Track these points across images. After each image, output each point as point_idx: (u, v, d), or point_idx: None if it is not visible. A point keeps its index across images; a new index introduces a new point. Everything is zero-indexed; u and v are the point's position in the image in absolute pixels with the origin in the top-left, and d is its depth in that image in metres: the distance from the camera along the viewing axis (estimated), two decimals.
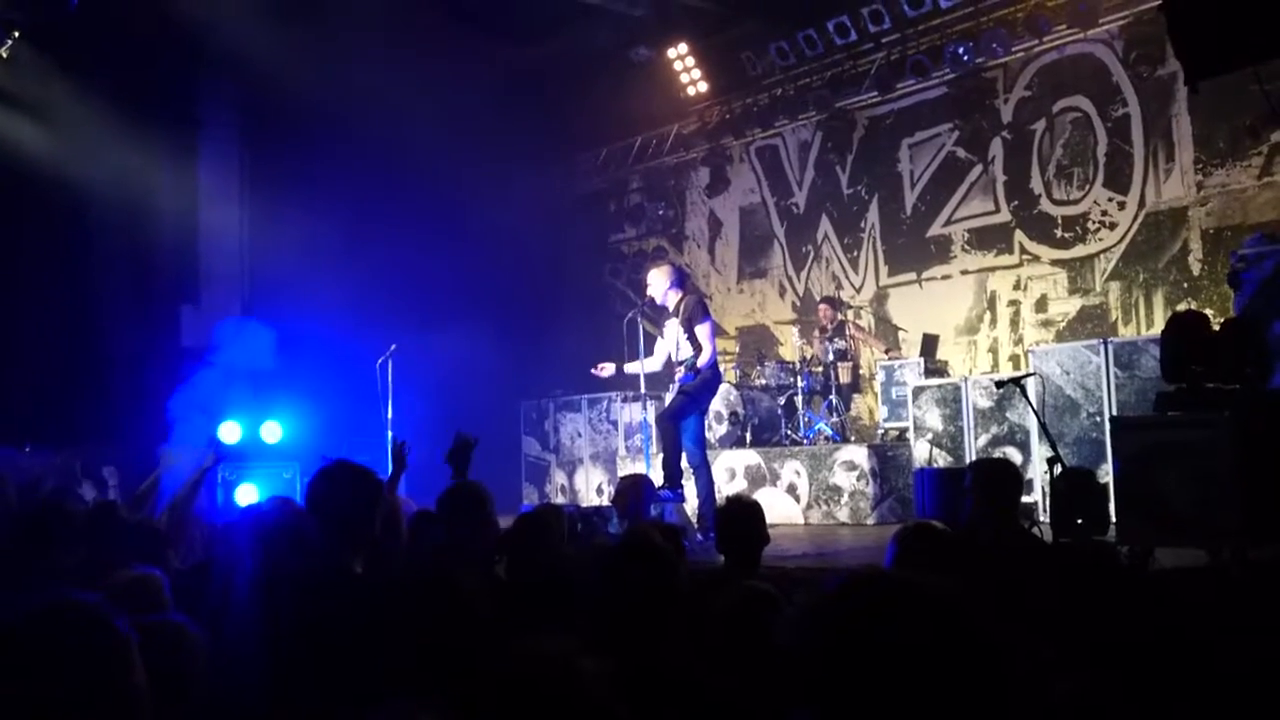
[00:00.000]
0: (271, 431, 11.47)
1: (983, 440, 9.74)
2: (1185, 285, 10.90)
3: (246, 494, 10.48)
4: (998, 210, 12.35)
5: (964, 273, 12.63)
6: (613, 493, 7.86)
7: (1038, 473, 8.98)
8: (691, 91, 14.68)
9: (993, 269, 12.37)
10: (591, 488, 13.46)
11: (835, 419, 11.27)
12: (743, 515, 4.52)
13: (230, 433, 10.89)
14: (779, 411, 11.59)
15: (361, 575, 3.37)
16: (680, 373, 8.49)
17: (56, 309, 11.11)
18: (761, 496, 9.91)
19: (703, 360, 8.35)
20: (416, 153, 12.40)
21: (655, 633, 3.00)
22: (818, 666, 1.23)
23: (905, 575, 1.30)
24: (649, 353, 9.08)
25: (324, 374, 11.10)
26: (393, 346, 10.14)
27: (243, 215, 12.95)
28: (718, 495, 8.35)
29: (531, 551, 4.31)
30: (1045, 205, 11.97)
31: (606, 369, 9.14)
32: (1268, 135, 10.22)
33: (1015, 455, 9.26)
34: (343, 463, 3.45)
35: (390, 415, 10.06)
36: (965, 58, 12.12)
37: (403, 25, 11.66)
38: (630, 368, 9.11)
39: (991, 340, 12.33)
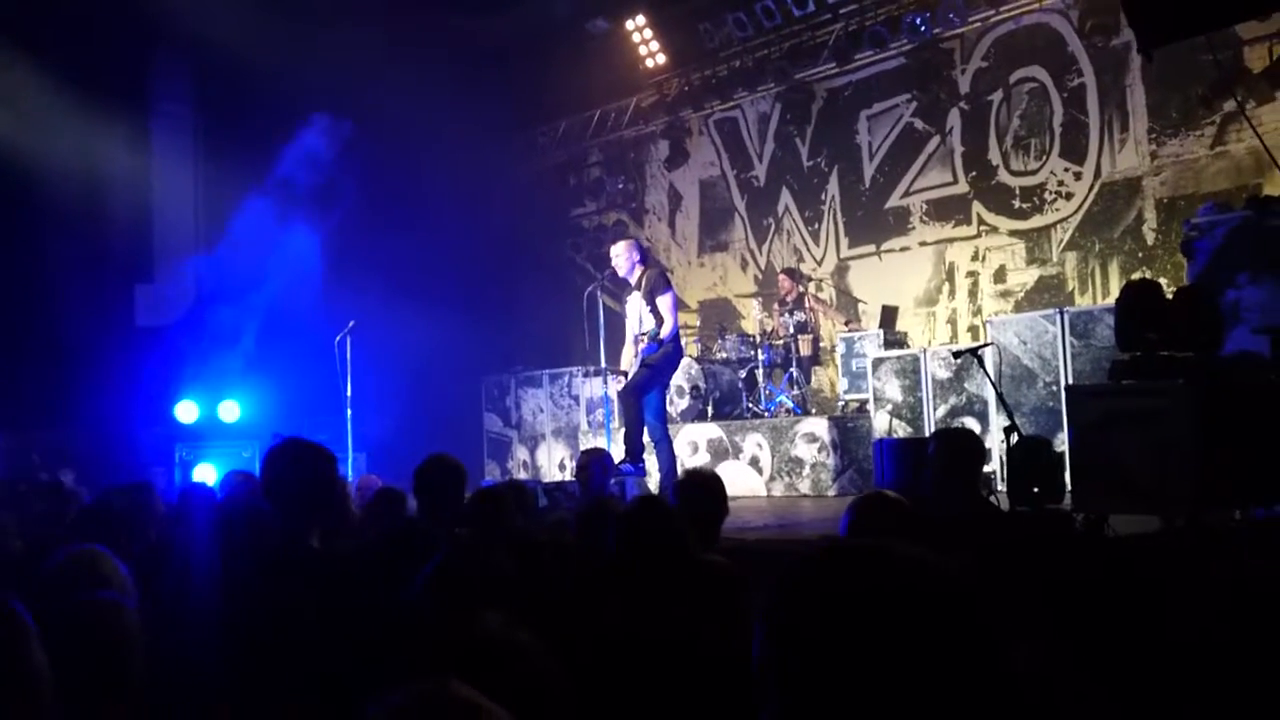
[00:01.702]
0: (229, 410, 11.36)
1: (941, 411, 9.81)
2: (1140, 255, 11.00)
3: (204, 474, 10.40)
4: (956, 181, 12.41)
5: (922, 244, 12.69)
6: (574, 467, 7.85)
7: (995, 442, 9.06)
8: (650, 64, 14.62)
9: (951, 240, 12.44)
10: (554, 463, 13.45)
11: (796, 391, 11.31)
12: (701, 487, 4.50)
13: (187, 412, 10.78)
14: (740, 385, 11.61)
15: (319, 550, 3.35)
16: (642, 344, 8.48)
17: (7, 288, 10.93)
18: (724, 469, 9.95)
19: (665, 331, 8.33)
20: (372, 128, 12.27)
21: (666, 594, 2.99)
22: (788, 645, 1.19)
23: (869, 542, 1.27)
24: (609, 328, 9.08)
25: (282, 352, 10.99)
26: (351, 323, 10.04)
27: (197, 192, 12.79)
28: (679, 469, 8.37)
29: (489, 526, 4.30)
30: (1003, 176, 12.03)
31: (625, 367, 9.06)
32: (1220, 105, 10.32)
33: (974, 425, 9.33)
34: (294, 440, 3.44)
35: (349, 393, 9.98)
36: (922, 28, 12.15)
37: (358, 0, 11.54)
38: (625, 364, 9.02)
39: (950, 311, 12.40)
